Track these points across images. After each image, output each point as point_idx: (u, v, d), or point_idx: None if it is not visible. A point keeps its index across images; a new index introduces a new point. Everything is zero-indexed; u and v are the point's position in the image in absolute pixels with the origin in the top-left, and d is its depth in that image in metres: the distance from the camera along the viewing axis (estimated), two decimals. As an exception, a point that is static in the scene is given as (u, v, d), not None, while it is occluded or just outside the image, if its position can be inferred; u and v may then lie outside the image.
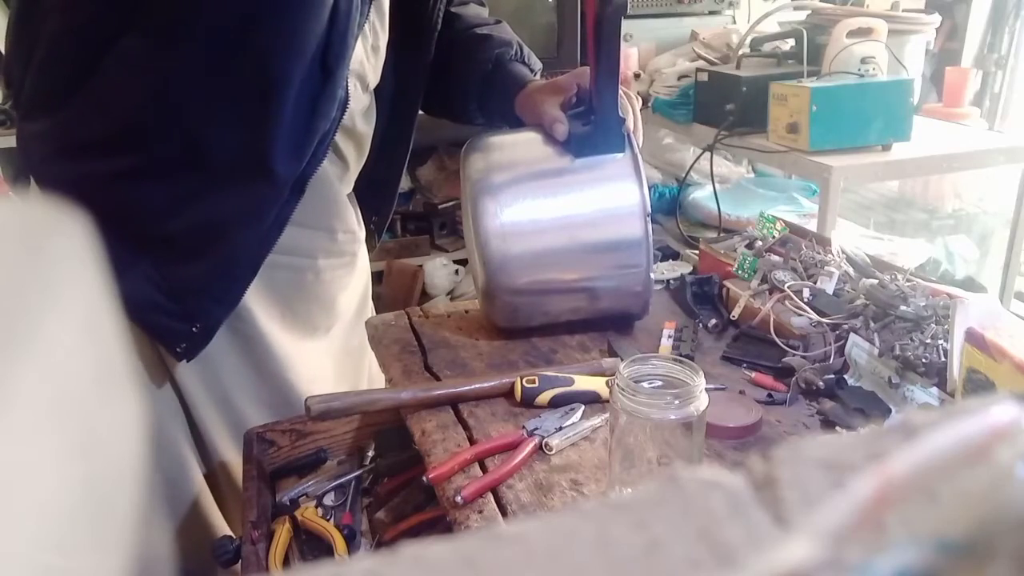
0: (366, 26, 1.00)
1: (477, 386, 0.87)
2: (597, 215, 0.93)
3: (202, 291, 0.96)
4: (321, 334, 1.15)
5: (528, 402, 0.85)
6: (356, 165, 1.12)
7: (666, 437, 0.66)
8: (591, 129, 0.93)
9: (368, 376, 1.25)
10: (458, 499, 0.73)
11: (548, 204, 0.93)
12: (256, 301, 1.03)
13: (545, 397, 0.84)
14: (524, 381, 0.85)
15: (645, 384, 0.67)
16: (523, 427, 0.81)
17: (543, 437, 0.79)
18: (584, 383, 0.86)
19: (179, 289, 0.94)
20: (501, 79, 1.09)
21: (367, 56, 1.02)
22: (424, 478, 0.77)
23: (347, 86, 0.96)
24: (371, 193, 1.21)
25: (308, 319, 1.11)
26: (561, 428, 0.81)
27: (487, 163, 0.93)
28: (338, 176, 1.09)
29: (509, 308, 0.97)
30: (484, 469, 0.77)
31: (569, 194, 0.93)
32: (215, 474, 1.07)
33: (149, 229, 0.93)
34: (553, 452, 0.78)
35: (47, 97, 0.92)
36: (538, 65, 1.13)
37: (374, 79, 1.06)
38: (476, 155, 0.95)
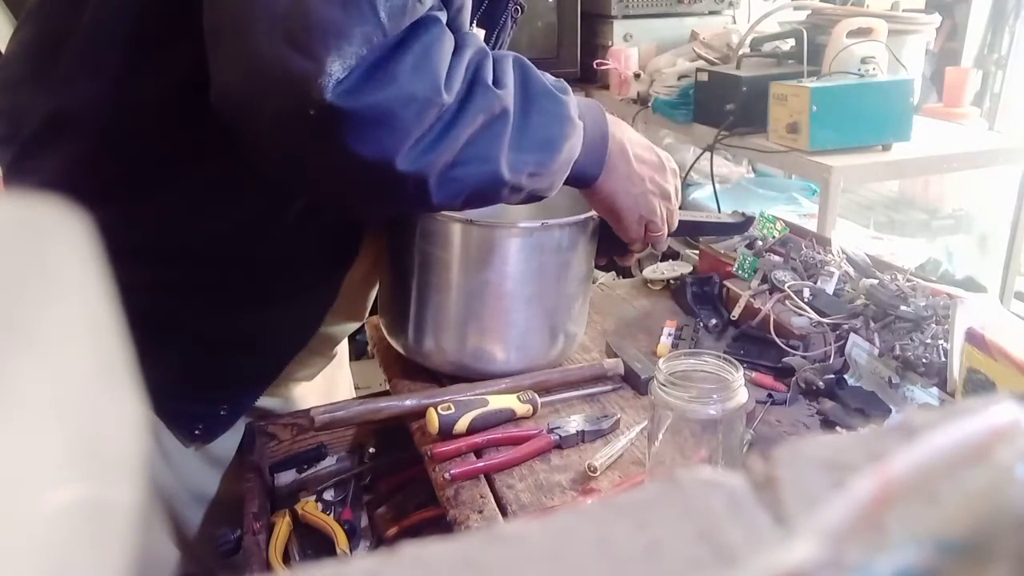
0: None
1: (484, 391, 0.87)
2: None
3: (237, 376, 0.90)
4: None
5: (446, 431, 0.81)
6: None
7: (706, 431, 0.67)
8: None
9: (344, 375, 1.23)
10: (447, 475, 0.75)
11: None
12: None
13: (464, 423, 0.81)
14: (439, 409, 0.82)
15: (683, 380, 0.68)
16: (547, 425, 0.82)
17: (560, 436, 0.81)
18: (498, 402, 0.84)
19: (209, 378, 0.88)
20: None
21: None
22: (425, 453, 0.78)
23: None
24: None
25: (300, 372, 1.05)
26: (582, 431, 0.82)
27: None
28: None
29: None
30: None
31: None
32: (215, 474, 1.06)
33: (184, 329, 0.84)
34: (598, 474, 0.77)
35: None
36: None
37: None
38: None
